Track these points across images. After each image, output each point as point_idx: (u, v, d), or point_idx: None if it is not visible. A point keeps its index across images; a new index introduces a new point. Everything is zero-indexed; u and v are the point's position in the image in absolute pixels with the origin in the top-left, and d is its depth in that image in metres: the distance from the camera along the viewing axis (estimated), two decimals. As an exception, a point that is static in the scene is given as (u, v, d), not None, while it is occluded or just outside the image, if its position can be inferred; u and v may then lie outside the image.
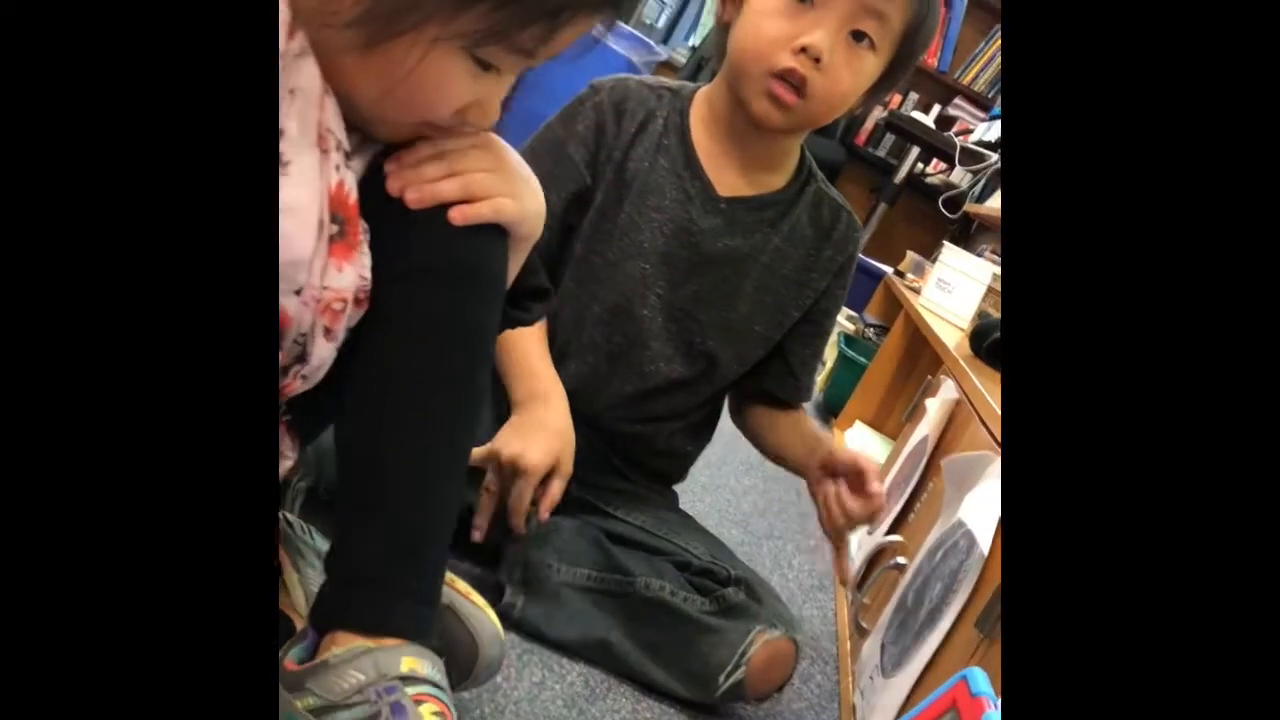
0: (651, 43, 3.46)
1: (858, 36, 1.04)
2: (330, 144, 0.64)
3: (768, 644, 1.03)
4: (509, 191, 0.73)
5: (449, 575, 0.81)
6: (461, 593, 0.85)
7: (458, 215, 0.70)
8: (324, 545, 0.84)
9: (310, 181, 0.63)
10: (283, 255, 0.63)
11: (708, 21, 4.88)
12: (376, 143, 0.72)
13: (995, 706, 0.72)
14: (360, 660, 0.67)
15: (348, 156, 0.67)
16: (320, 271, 0.66)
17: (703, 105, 1.15)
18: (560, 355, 1.14)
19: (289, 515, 0.88)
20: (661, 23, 5.26)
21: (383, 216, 0.70)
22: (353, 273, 0.67)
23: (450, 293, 0.72)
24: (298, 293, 0.65)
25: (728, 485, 1.76)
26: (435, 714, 0.67)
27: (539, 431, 1.03)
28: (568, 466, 1.04)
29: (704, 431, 1.28)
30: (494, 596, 1.05)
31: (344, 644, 0.68)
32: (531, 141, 1.14)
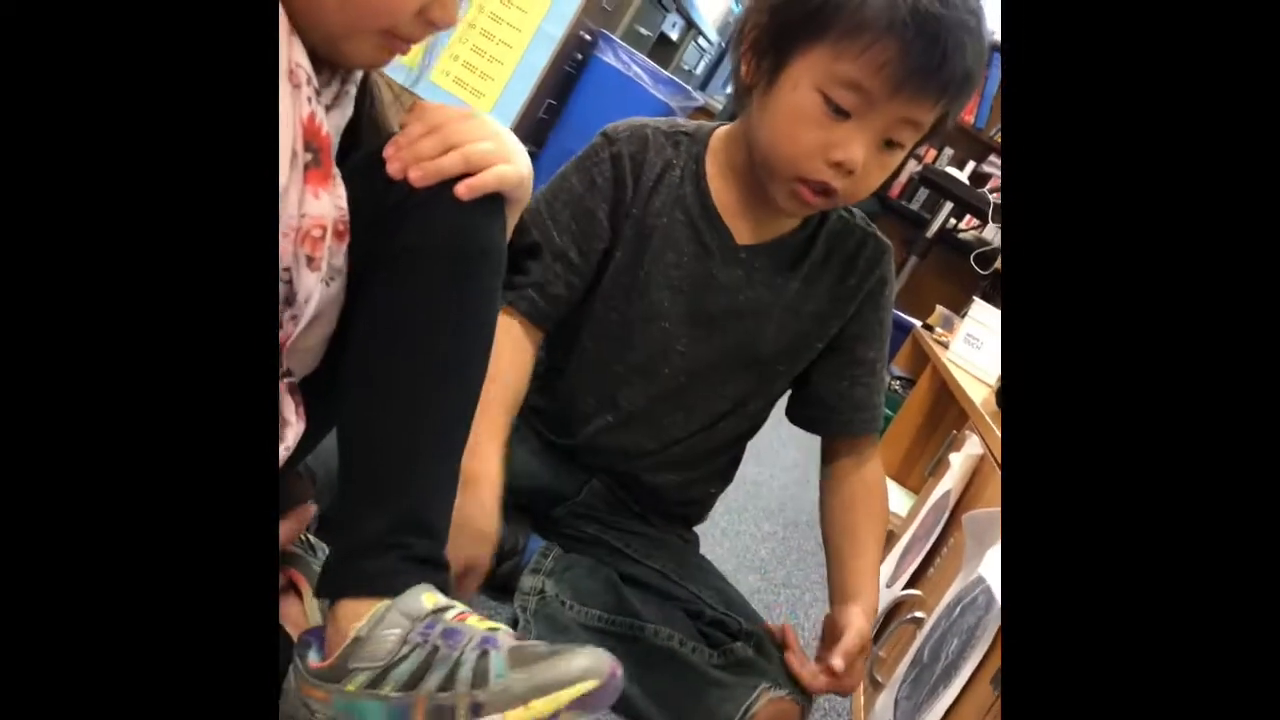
0: (689, 88, 3.50)
1: (889, 143, 1.00)
2: (301, 78, 0.65)
3: (772, 703, 1.01)
4: (506, 156, 0.73)
5: (464, 609, 0.81)
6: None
7: (464, 190, 0.71)
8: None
9: (283, 112, 0.64)
10: None
11: (746, 70, 4.91)
12: (349, 90, 0.72)
13: (1008, 766, 0.71)
14: (387, 618, 0.67)
15: (318, 93, 0.67)
16: (297, 200, 0.66)
17: (720, 150, 1.12)
18: (582, 415, 1.13)
19: (310, 537, 0.89)
20: (700, 69, 5.32)
21: (380, 201, 0.71)
22: (329, 201, 0.68)
23: (456, 271, 0.72)
24: None
25: (747, 531, 1.75)
26: (481, 620, 0.67)
27: (457, 531, 0.99)
28: (483, 565, 0.98)
29: (728, 472, 1.27)
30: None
31: (354, 613, 0.68)
32: (547, 195, 1.11)
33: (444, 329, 0.72)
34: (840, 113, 0.96)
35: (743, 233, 1.11)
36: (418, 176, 0.70)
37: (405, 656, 0.66)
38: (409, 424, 0.71)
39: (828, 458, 1.20)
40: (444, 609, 0.68)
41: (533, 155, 3.20)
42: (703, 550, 1.28)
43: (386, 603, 0.67)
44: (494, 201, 0.73)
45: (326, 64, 0.71)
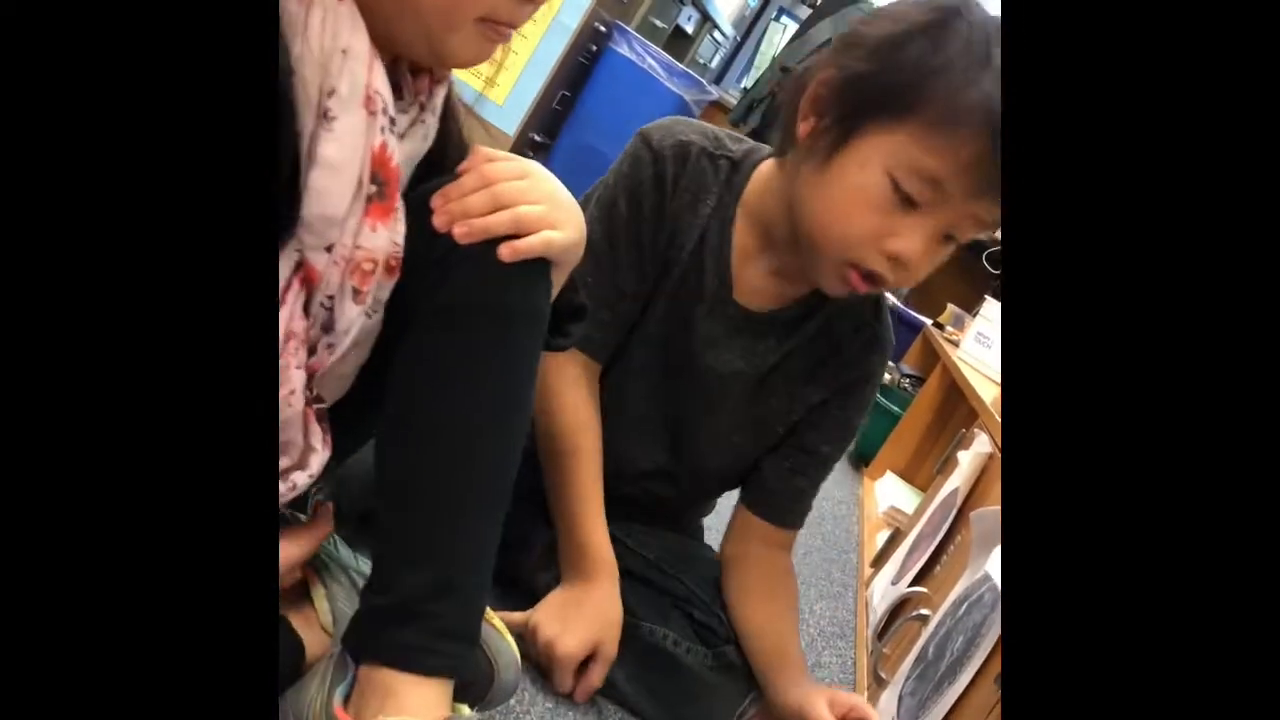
0: (704, 82, 3.49)
1: (948, 237, 0.92)
2: (377, 106, 0.64)
3: (763, 711, 1.01)
4: (556, 222, 0.72)
5: None
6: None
7: (508, 252, 0.69)
8: (348, 556, 0.85)
9: (354, 140, 0.63)
10: (317, 210, 0.63)
11: (761, 64, 4.91)
12: (425, 119, 0.71)
13: (1011, 764, 0.71)
14: None
15: (393, 122, 0.66)
16: (354, 231, 0.66)
17: (756, 196, 1.02)
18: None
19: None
20: (715, 63, 5.31)
21: (427, 251, 0.70)
22: (386, 236, 0.67)
23: (498, 333, 0.71)
24: (328, 250, 0.65)
25: (754, 526, 1.75)
26: None
27: (579, 615, 0.96)
28: (610, 650, 0.97)
29: (712, 497, 1.25)
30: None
31: (381, 686, 0.68)
32: (601, 225, 1.01)
33: (484, 389, 0.71)
34: (908, 203, 0.88)
35: (746, 290, 1.04)
36: (463, 233, 0.69)
37: None
38: (446, 482, 0.71)
39: (743, 533, 1.13)
40: None
41: (546, 146, 3.20)
42: (707, 541, 1.28)
43: None
44: (540, 264, 0.72)
45: (407, 86, 0.70)
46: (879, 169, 0.87)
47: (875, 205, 0.88)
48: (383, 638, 0.70)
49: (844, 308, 1.06)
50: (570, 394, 1.01)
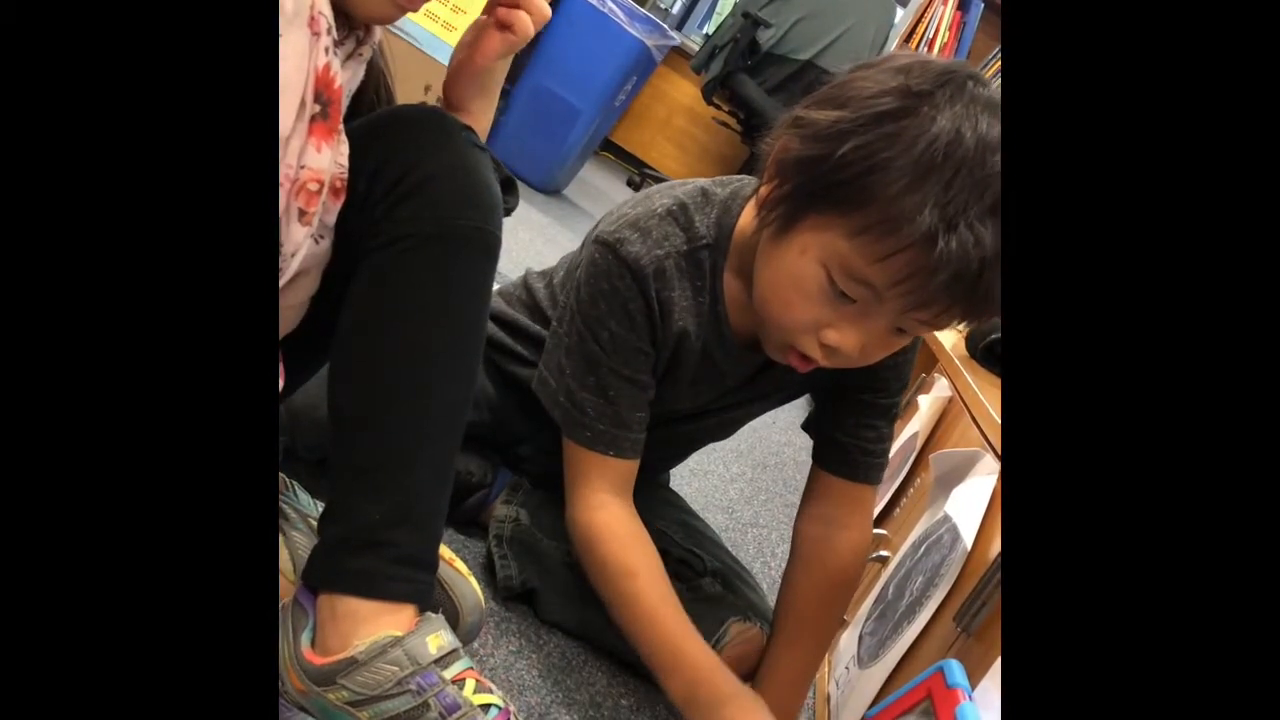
0: (666, 26, 3.46)
1: (899, 330, 0.86)
2: (321, 26, 0.64)
3: (740, 634, 1.03)
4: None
5: (465, 665, 0.81)
6: (445, 559, 0.85)
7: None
8: (307, 501, 0.84)
9: (297, 59, 0.63)
10: None
11: (723, 10, 4.87)
12: (363, 52, 0.72)
13: (970, 698, 0.72)
14: (390, 653, 0.68)
15: (337, 44, 0.66)
16: (298, 151, 0.65)
17: (736, 255, 0.96)
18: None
19: (283, 477, 0.88)
20: (677, 9, 5.25)
21: (372, 183, 0.70)
22: (330, 156, 0.67)
23: (448, 259, 0.71)
24: None
25: (716, 471, 1.76)
26: (476, 691, 0.69)
27: None
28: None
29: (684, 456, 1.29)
30: (482, 566, 1.05)
31: (352, 614, 0.68)
32: (594, 338, 0.96)
33: (435, 316, 0.71)
34: (844, 297, 0.83)
35: (738, 321, 0.99)
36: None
37: (394, 695, 0.68)
38: (400, 412, 0.71)
39: (820, 498, 1.06)
40: (447, 656, 0.69)
41: (505, 92, 3.14)
42: (672, 488, 1.29)
43: (394, 634, 0.68)
44: (490, 193, 0.73)
45: (344, 19, 0.70)
46: (816, 261, 0.83)
47: (812, 296, 0.84)
48: (343, 566, 0.70)
49: None
50: (604, 515, 0.98)
